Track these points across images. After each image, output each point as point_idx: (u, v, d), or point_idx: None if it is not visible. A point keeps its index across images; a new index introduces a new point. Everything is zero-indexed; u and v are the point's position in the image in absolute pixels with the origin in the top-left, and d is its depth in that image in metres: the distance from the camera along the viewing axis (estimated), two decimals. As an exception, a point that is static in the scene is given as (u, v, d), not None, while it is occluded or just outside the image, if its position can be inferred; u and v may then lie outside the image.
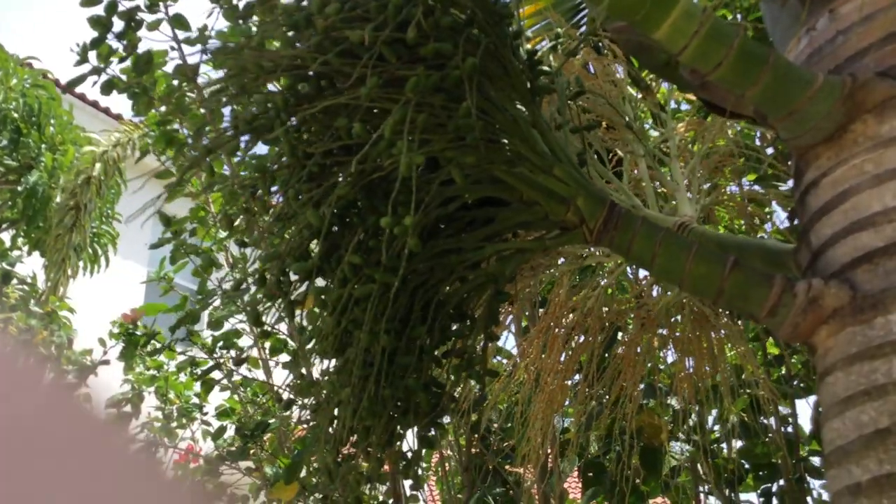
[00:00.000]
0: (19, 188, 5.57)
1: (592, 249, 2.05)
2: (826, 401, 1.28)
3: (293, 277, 1.30)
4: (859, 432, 1.20)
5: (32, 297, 5.58)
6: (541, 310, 2.66)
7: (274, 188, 1.26)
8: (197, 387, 4.09)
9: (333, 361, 1.29)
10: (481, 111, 1.27)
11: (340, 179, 1.21)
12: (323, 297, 1.22)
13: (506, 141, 1.33)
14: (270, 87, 1.29)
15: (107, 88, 2.37)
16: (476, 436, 3.56)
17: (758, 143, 2.98)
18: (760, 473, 3.25)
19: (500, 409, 3.06)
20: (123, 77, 2.39)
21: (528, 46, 1.64)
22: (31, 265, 6.20)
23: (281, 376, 3.57)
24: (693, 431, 2.99)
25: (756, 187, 2.96)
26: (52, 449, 0.42)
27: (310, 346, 1.29)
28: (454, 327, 1.40)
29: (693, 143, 2.15)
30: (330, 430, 1.30)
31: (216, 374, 3.49)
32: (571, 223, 1.38)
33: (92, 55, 2.22)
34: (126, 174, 5.83)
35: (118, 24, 2.08)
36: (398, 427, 1.32)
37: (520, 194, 1.40)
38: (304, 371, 1.34)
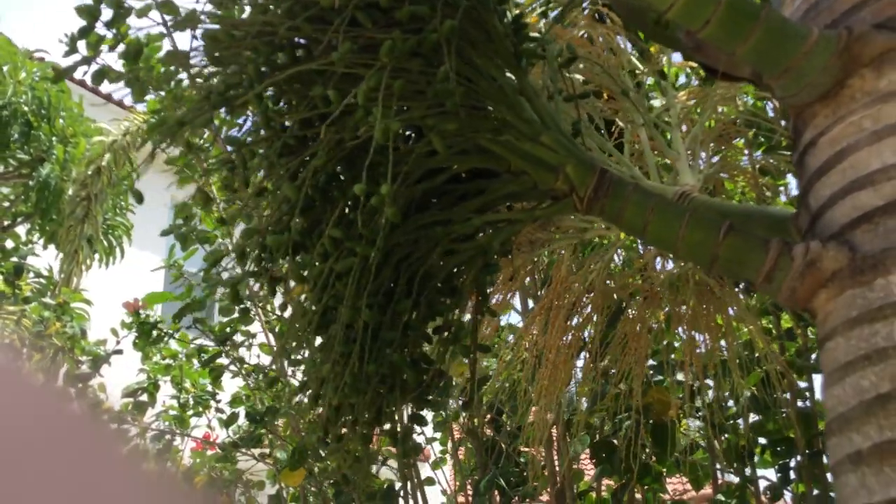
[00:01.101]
0: (31, 182, 5.59)
1: (594, 223, 2.00)
2: (827, 367, 1.24)
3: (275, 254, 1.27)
4: (860, 398, 1.15)
5: (48, 290, 5.60)
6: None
7: (253, 164, 1.22)
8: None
9: (317, 339, 1.26)
10: (463, 77, 1.23)
11: (317, 152, 1.18)
12: (302, 272, 1.19)
13: (490, 108, 1.28)
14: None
15: (98, 78, 2.34)
16: (489, 416, 3.53)
17: (771, 114, 2.91)
18: (778, 449, 3.20)
19: (509, 388, 3.03)
20: (117, 66, 2.37)
21: (515, 11, 1.59)
22: (46, 258, 6.23)
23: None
24: (707, 408, 2.95)
25: (767, 158, 2.90)
26: (39, 452, 0.42)
27: (294, 325, 1.26)
28: (444, 302, 1.37)
29: (696, 111, 2.10)
30: (318, 409, 1.27)
31: (225, 361, 3.47)
32: (561, 192, 1.34)
33: (82, 45, 2.19)
34: (137, 163, 5.84)
35: (107, 13, 2.06)
36: (386, 405, 1.29)
37: (508, 164, 1.36)
38: (291, 349, 1.31)
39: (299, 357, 1.31)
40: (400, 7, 1.14)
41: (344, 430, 1.29)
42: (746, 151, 2.66)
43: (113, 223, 6.67)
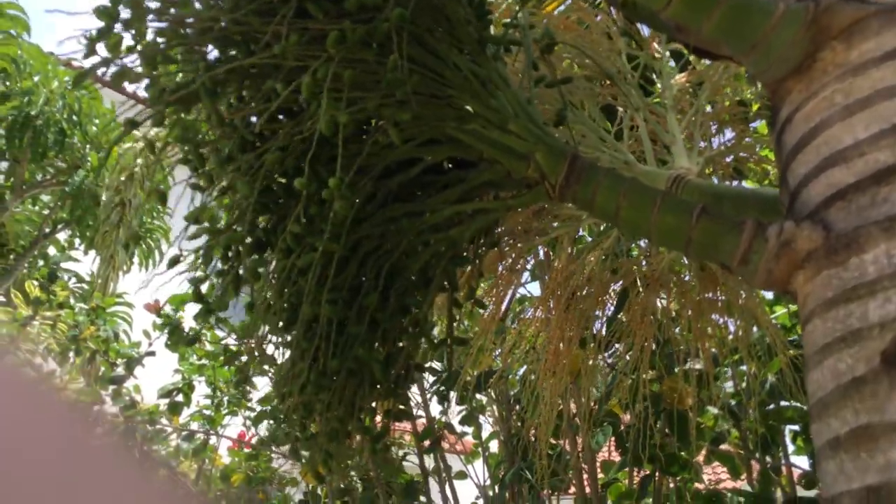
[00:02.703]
0: (67, 189, 5.68)
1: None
2: (808, 351, 1.20)
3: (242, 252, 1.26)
4: (837, 382, 1.11)
5: (90, 295, 5.69)
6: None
7: (212, 163, 1.22)
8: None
9: (283, 336, 1.25)
10: (423, 66, 1.21)
11: (272, 148, 1.17)
12: (258, 269, 1.18)
13: (453, 97, 1.26)
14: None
15: (118, 79, 2.36)
16: (517, 409, 3.51)
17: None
18: (810, 437, 3.13)
19: (521, 380, 3.00)
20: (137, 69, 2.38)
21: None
22: (87, 263, 6.35)
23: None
24: (733, 396, 2.89)
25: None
26: (28, 449, 0.42)
27: (260, 321, 1.25)
28: (417, 297, 1.35)
29: (693, 94, 2.05)
30: (287, 405, 1.27)
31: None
32: (533, 180, 1.32)
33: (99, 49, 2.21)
34: (172, 168, 5.90)
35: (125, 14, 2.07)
36: (358, 401, 1.27)
37: (480, 153, 1.34)
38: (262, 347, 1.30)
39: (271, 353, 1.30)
40: (349, -3, 1.12)
41: (314, 427, 1.28)
42: (747, 134, 2.60)
43: (151, 227, 6.77)
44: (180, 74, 1.19)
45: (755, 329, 2.51)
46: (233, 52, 1.19)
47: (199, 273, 1.22)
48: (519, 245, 1.87)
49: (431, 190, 1.41)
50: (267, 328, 1.23)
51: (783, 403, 3.03)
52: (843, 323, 1.11)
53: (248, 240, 1.21)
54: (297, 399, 1.16)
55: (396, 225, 1.26)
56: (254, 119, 1.19)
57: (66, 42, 1.17)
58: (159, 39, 1.14)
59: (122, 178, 5.43)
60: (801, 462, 3.32)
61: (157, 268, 6.95)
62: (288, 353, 1.32)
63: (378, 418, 1.43)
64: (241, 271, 1.21)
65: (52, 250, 6.63)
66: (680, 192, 1.73)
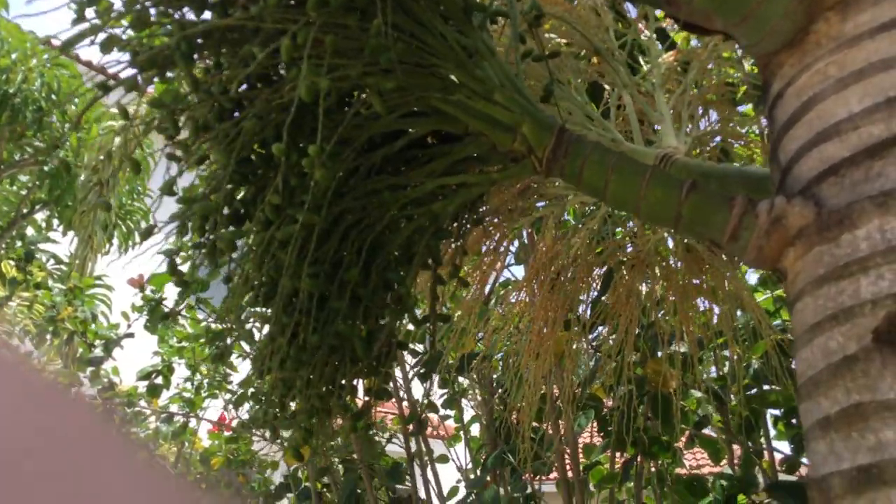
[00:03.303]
0: (46, 168, 5.60)
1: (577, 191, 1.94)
2: (797, 330, 1.17)
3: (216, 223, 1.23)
4: (827, 361, 1.09)
5: (68, 276, 5.63)
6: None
7: (190, 131, 1.18)
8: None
9: (262, 310, 1.21)
10: (407, 33, 1.17)
11: (249, 116, 1.13)
12: (232, 240, 1.14)
13: (439, 66, 1.23)
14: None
15: (106, 46, 2.29)
16: (499, 392, 3.49)
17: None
18: (793, 421, 3.13)
19: (503, 362, 2.98)
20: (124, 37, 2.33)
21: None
22: (66, 244, 6.27)
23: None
24: (715, 380, 2.88)
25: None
26: (36, 445, 0.41)
27: (238, 295, 1.21)
28: (399, 272, 1.32)
29: (681, 74, 2.02)
30: (267, 382, 1.23)
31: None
32: (519, 153, 1.29)
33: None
34: (154, 148, 5.83)
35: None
36: (340, 377, 1.24)
37: (465, 126, 1.31)
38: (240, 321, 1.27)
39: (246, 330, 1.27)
40: (331, -40, 1.09)
41: (294, 404, 1.25)
42: (755, 116, 2.58)
43: (130, 208, 6.69)
44: (153, 38, 1.15)
45: (739, 313, 2.50)
46: (208, 15, 1.15)
47: (173, 245, 1.19)
48: (503, 225, 1.84)
49: (415, 164, 1.38)
50: (246, 304, 1.20)
51: (766, 388, 3.03)
52: (834, 301, 1.09)
53: (226, 211, 1.18)
54: (278, 375, 1.13)
55: (379, 198, 1.23)
56: (231, 87, 1.15)
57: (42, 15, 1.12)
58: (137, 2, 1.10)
59: (101, 158, 5.35)
60: (782, 447, 3.32)
61: (136, 249, 6.88)
62: (266, 329, 1.29)
63: (360, 397, 1.40)
64: (217, 244, 1.17)
65: (30, 231, 6.54)
66: (668, 170, 1.70)
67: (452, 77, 1.23)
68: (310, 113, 1.18)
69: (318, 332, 1.14)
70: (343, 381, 1.25)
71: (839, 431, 1.06)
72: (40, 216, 6.54)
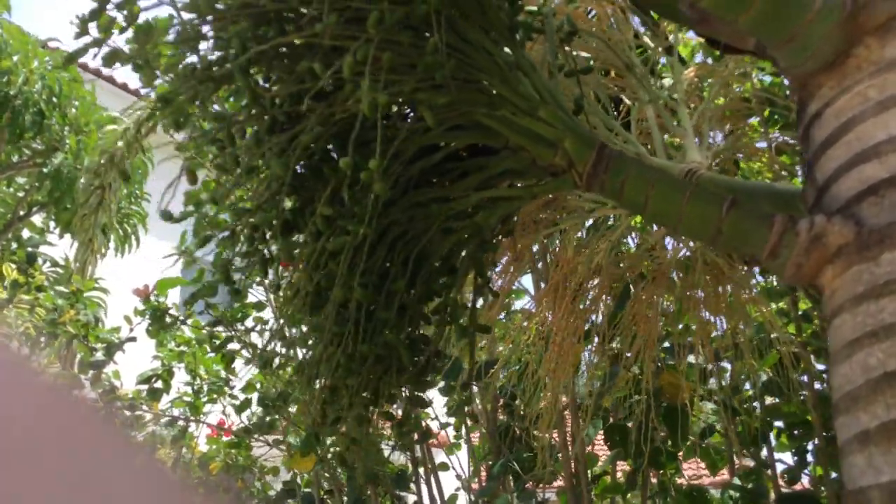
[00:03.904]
0: (45, 170, 5.60)
1: (600, 203, 1.97)
2: (834, 345, 1.20)
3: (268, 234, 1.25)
4: (867, 376, 1.12)
5: (65, 279, 5.62)
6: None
7: (241, 143, 1.20)
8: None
9: (311, 320, 1.23)
10: (455, 50, 1.20)
11: (306, 129, 1.15)
12: (292, 251, 1.16)
13: (485, 82, 1.25)
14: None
15: (109, 60, 2.31)
16: (501, 401, 3.51)
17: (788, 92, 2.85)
18: (795, 432, 3.16)
19: (520, 371, 3.00)
20: (127, 49, 2.34)
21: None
22: (63, 247, 6.26)
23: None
24: (722, 391, 2.91)
25: (785, 138, 2.84)
26: (47, 448, 0.41)
27: (288, 305, 1.23)
28: (442, 282, 1.34)
29: (704, 88, 2.06)
30: (314, 390, 1.25)
31: (237, 347, 3.46)
32: (560, 168, 1.31)
33: (93, 28, 2.17)
34: (152, 153, 5.84)
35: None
36: (383, 386, 1.26)
37: (506, 140, 1.33)
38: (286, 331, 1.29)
39: (296, 338, 1.28)
40: (389, -22, 1.11)
41: (340, 412, 1.27)
42: (763, 130, 2.61)
43: (128, 212, 6.69)
44: (210, 54, 1.17)
45: (746, 325, 2.53)
46: (263, 32, 1.17)
47: (223, 254, 1.20)
48: (527, 235, 1.86)
49: (450, 177, 1.40)
50: (294, 313, 1.22)
51: (769, 400, 3.06)
52: (874, 318, 1.12)
53: (274, 222, 1.20)
54: (327, 383, 1.15)
55: (425, 210, 1.25)
56: (284, 100, 1.17)
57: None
58: (190, 15, 1.12)
59: (102, 162, 5.35)
60: (785, 458, 3.35)
61: (132, 252, 6.87)
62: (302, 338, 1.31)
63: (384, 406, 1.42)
64: (266, 253, 1.19)
65: (26, 233, 6.52)
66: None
67: (497, 92, 1.26)
68: (360, 126, 1.20)
69: (367, 342, 1.16)
70: (386, 390, 1.27)
71: (879, 445, 1.09)
72: (37, 218, 6.53)
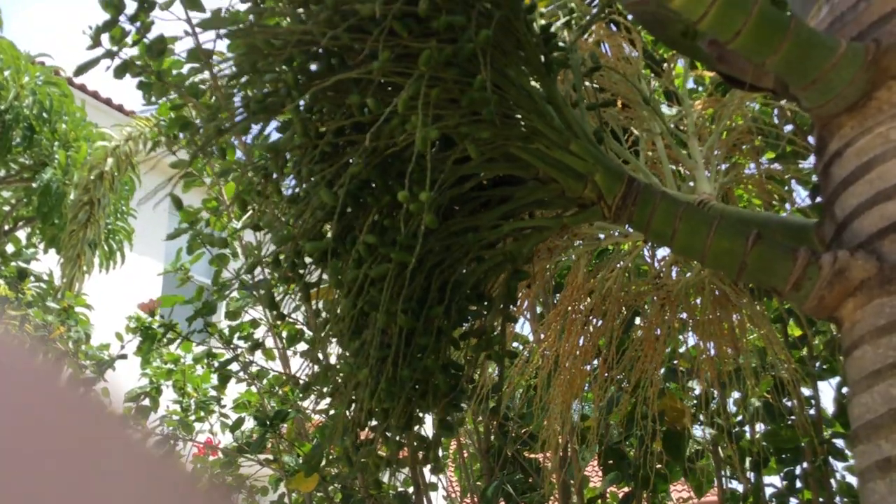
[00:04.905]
0: (34, 185, 5.59)
1: (610, 231, 2.02)
2: (854, 375, 1.25)
3: (308, 260, 1.28)
4: (888, 406, 1.17)
5: (49, 294, 5.59)
6: (557, 295, 2.64)
7: (288, 171, 1.24)
8: (214, 379, 4.11)
9: (350, 345, 1.27)
10: (495, 86, 1.24)
11: (353, 159, 1.19)
12: (339, 277, 1.20)
13: (520, 116, 1.30)
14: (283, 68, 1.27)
15: (121, 71, 2.33)
16: (494, 422, 3.54)
17: (776, 120, 2.93)
18: (784, 456, 3.21)
19: (517, 394, 3.04)
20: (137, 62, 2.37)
21: (542, 21, 1.61)
22: (47, 263, 6.23)
23: (297, 366, 3.56)
24: (717, 415, 2.96)
25: (775, 165, 2.91)
26: (67, 448, 0.41)
27: (326, 330, 1.27)
28: (472, 308, 1.38)
29: (711, 120, 2.12)
30: (348, 414, 1.28)
31: (233, 366, 3.47)
32: (589, 200, 1.36)
33: (104, 40, 2.19)
34: (139, 169, 5.84)
35: (131, 7, 2.06)
36: (416, 410, 1.30)
37: (535, 171, 1.38)
38: (320, 356, 1.32)
39: (325, 362, 1.32)
40: (437, 17, 1.15)
41: (371, 436, 1.30)
42: (753, 160, 2.68)
43: (114, 228, 6.67)
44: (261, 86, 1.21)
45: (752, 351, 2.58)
46: (314, 67, 1.21)
47: (271, 280, 1.24)
48: (541, 261, 1.90)
49: (471, 206, 1.44)
50: (332, 338, 1.25)
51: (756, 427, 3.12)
52: (895, 350, 1.17)
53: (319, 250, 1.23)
54: (367, 406, 1.18)
55: (461, 239, 1.29)
56: (330, 131, 1.21)
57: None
58: (237, 52, 1.16)
59: (92, 177, 5.35)
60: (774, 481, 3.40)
61: (117, 269, 6.84)
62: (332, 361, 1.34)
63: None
64: (307, 279, 1.23)
65: (10, 248, 6.48)
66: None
67: (533, 126, 1.30)
68: (398, 157, 1.24)
69: (407, 367, 1.20)
70: (418, 414, 1.31)
71: (901, 473, 1.14)
72: (21, 234, 6.49)
